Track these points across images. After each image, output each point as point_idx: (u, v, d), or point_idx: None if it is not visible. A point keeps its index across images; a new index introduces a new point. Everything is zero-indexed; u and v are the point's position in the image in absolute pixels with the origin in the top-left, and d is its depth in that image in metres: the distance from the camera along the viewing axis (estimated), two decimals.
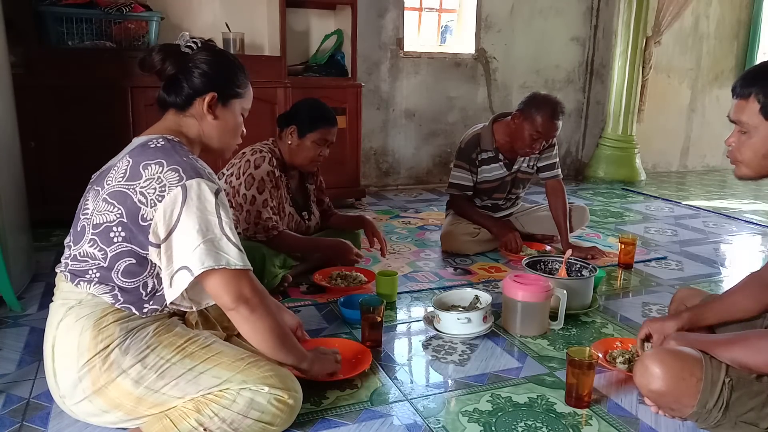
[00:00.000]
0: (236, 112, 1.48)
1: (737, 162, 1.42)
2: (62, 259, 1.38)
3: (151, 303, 1.35)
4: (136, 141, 1.38)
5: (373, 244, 2.56)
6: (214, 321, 1.59)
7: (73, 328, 1.30)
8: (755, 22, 5.66)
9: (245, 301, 1.32)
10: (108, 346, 1.29)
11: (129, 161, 1.31)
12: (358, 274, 2.47)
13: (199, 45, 1.43)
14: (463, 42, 4.79)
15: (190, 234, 1.25)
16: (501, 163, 2.92)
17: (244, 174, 2.25)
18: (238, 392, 1.32)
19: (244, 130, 1.54)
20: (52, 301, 1.39)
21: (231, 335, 1.61)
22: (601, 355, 1.77)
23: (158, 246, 1.28)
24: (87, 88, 3.17)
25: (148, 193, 1.27)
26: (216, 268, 1.27)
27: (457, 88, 4.70)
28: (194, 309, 1.42)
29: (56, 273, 1.39)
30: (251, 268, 1.35)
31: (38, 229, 2.96)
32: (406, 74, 4.52)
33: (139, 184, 1.28)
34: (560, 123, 2.72)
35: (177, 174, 1.27)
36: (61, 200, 3.17)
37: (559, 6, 4.90)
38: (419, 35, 4.76)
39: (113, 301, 1.32)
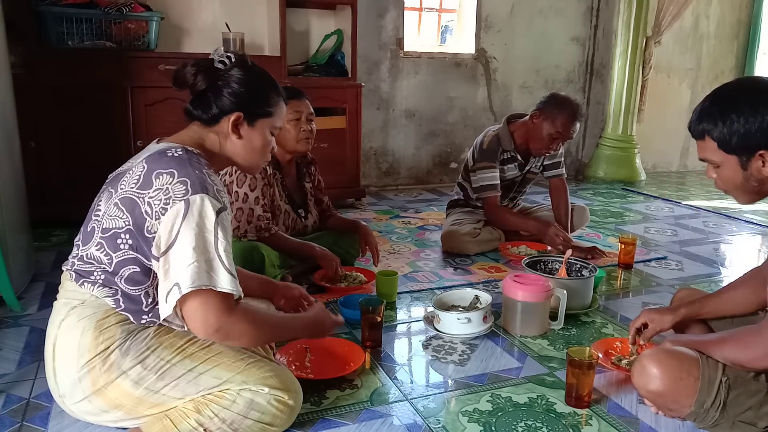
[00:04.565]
0: (264, 132, 1.45)
1: (727, 193, 1.45)
2: (69, 258, 1.38)
3: (149, 315, 1.33)
4: (156, 147, 1.36)
5: (365, 252, 2.55)
6: None
7: (74, 327, 1.30)
8: (755, 22, 5.66)
9: (220, 331, 1.26)
10: (108, 347, 1.29)
11: (144, 167, 1.30)
12: (358, 274, 2.47)
13: (233, 60, 1.41)
14: (463, 42, 4.79)
15: (185, 250, 1.23)
16: (516, 164, 2.93)
17: (236, 171, 2.26)
18: (238, 393, 1.32)
19: (275, 147, 1.53)
20: (54, 300, 1.39)
21: None
22: (601, 355, 1.77)
23: (158, 259, 1.27)
24: (87, 88, 3.17)
25: (154, 204, 1.25)
26: (203, 288, 1.23)
27: (457, 88, 4.70)
28: (186, 329, 1.36)
29: (59, 272, 1.39)
30: (242, 295, 1.30)
31: (38, 229, 2.96)
32: (406, 74, 4.52)
33: (148, 194, 1.26)
34: (578, 124, 2.73)
35: (184, 187, 1.25)
36: (61, 200, 3.18)
37: (559, 6, 4.90)
38: (419, 35, 4.76)
39: (114, 306, 1.31)
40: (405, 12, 4.46)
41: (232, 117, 1.39)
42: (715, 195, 4.57)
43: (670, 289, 2.52)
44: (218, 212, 1.27)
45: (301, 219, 2.53)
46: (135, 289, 1.31)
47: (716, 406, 1.33)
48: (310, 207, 2.59)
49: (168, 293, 1.25)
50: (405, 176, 4.71)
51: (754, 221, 3.81)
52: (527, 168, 2.98)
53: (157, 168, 1.28)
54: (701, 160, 1.43)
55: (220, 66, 1.40)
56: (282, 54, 3.62)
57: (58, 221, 3.18)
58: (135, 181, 1.29)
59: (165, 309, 1.26)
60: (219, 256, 1.26)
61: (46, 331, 1.37)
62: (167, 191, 1.25)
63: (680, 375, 1.35)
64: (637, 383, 1.42)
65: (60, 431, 1.47)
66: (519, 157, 2.92)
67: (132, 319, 1.32)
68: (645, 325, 1.68)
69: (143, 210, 1.26)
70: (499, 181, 2.90)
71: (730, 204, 4.24)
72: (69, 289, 1.35)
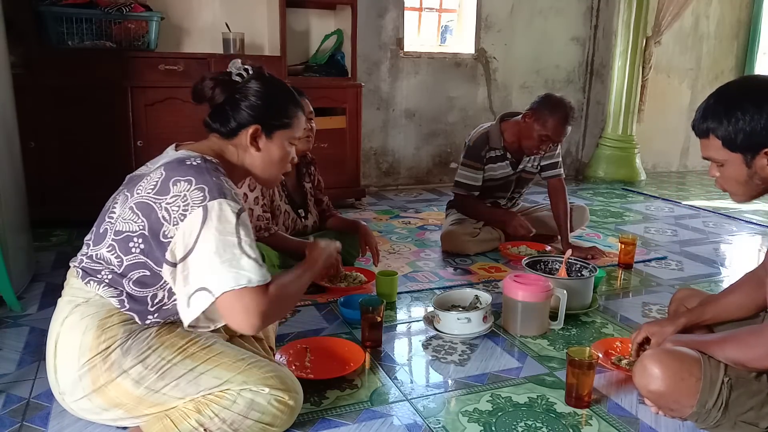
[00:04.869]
0: (282, 143, 1.46)
1: (727, 192, 1.45)
2: (78, 255, 1.38)
3: (155, 315, 1.34)
4: (175, 154, 1.36)
5: (365, 252, 2.55)
6: None
7: (77, 326, 1.31)
8: (755, 22, 5.66)
9: (264, 317, 1.28)
10: (110, 346, 1.29)
11: (162, 174, 1.30)
12: (358, 274, 2.47)
13: (250, 73, 1.42)
14: (463, 42, 4.79)
15: (208, 255, 1.24)
16: (507, 162, 2.93)
17: None
18: (239, 393, 1.32)
19: (295, 158, 1.53)
20: (53, 299, 1.39)
21: (233, 336, 1.61)
22: (601, 355, 1.77)
23: (173, 265, 1.27)
24: (87, 88, 3.17)
25: (172, 210, 1.26)
26: (236, 288, 1.24)
27: (457, 88, 4.70)
28: (211, 328, 1.39)
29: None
30: (270, 278, 1.31)
31: (38, 229, 2.96)
32: (406, 74, 4.52)
33: (166, 200, 1.27)
34: (570, 128, 2.72)
35: (202, 194, 1.26)
36: (61, 200, 3.18)
37: (559, 6, 4.90)
38: (419, 35, 4.76)
39: (119, 306, 1.32)
40: (405, 12, 4.46)
41: (250, 130, 1.40)
42: (715, 195, 4.58)
43: (670, 289, 2.52)
44: (238, 214, 1.28)
45: (301, 219, 2.53)
46: (141, 291, 1.32)
47: (718, 406, 1.33)
48: (310, 207, 2.59)
49: (190, 298, 1.26)
50: (405, 176, 4.71)
51: (754, 221, 3.81)
52: (521, 167, 2.97)
53: (175, 175, 1.29)
54: (704, 158, 1.42)
55: (237, 79, 1.41)
56: (282, 54, 3.62)
57: (58, 221, 3.18)
58: (152, 187, 1.30)
59: (189, 314, 1.27)
60: (245, 252, 1.26)
61: (46, 331, 1.37)
62: (185, 198, 1.26)
63: (682, 375, 1.35)
64: (638, 383, 1.42)
65: (60, 431, 1.46)
66: (509, 155, 2.92)
67: (137, 318, 1.33)
68: (647, 339, 1.68)
69: (160, 215, 1.27)
70: (477, 183, 2.92)
71: (730, 204, 4.24)
72: (74, 286, 1.36)
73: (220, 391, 1.32)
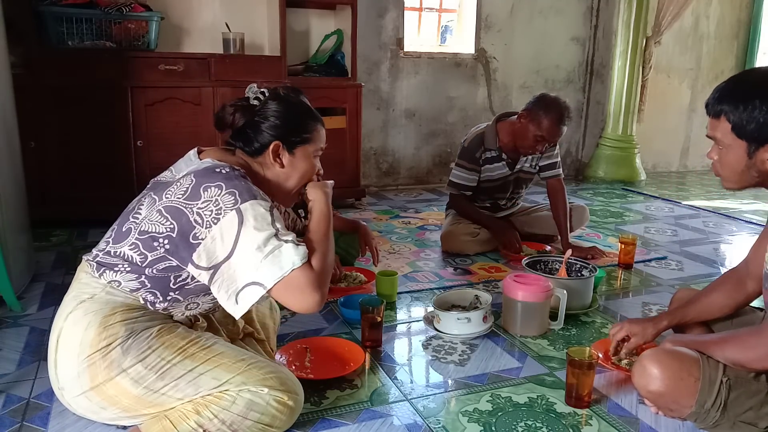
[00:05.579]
0: (306, 156, 1.51)
1: (720, 176, 1.44)
2: (94, 250, 1.40)
3: (176, 292, 1.37)
4: (204, 163, 1.39)
5: (365, 252, 2.54)
6: (217, 326, 1.60)
7: (79, 322, 1.32)
8: (755, 22, 5.66)
9: (319, 289, 1.33)
10: (110, 344, 1.30)
11: (192, 180, 1.34)
12: (358, 274, 2.47)
13: (267, 95, 1.49)
14: (463, 42, 4.79)
15: (251, 252, 1.28)
16: (504, 163, 2.92)
17: None
18: (238, 393, 1.32)
19: (321, 169, 1.59)
20: (54, 299, 1.40)
21: (235, 339, 1.61)
22: (601, 355, 1.77)
23: (197, 267, 1.30)
24: (87, 88, 3.17)
25: (205, 214, 1.29)
26: (285, 275, 1.29)
27: (457, 88, 4.70)
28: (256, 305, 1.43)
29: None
30: (307, 255, 1.34)
31: (38, 229, 2.96)
32: (406, 74, 4.52)
33: (197, 204, 1.30)
34: (565, 128, 2.71)
35: (233, 197, 1.30)
36: (61, 200, 3.18)
37: (559, 6, 4.90)
38: (419, 35, 4.76)
39: (138, 287, 1.34)
40: (405, 12, 4.46)
41: (271, 147, 1.45)
42: (715, 195, 4.58)
43: (670, 289, 2.52)
44: (270, 210, 1.33)
45: (301, 219, 2.52)
46: (165, 273, 1.34)
47: (717, 406, 1.33)
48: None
49: (238, 295, 1.29)
50: (405, 176, 4.71)
51: (754, 221, 3.81)
52: (518, 167, 2.96)
53: (205, 182, 1.33)
54: (709, 137, 1.41)
55: (255, 103, 1.47)
56: (282, 54, 3.62)
57: (58, 221, 3.18)
58: (182, 192, 1.33)
59: (239, 310, 1.31)
60: (284, 239, 1.31)
61: (46, 331, 1.38)
62: (217, 203, 1.30)
63: (681, 375, 1.35)
64: (637, 384, 1.42)
65: (60, 431, 1.46)
66: (505, 156, 2.92)
67: (159, 295, 1.35)
68: (627, 338, 1.70)
69: (192, 219, 1.30)
70: (469, 183, 2.92)
71: (730, 204, 4.25)
72: (82, 281, 1.37)
73: (219, 392, 1.32)
